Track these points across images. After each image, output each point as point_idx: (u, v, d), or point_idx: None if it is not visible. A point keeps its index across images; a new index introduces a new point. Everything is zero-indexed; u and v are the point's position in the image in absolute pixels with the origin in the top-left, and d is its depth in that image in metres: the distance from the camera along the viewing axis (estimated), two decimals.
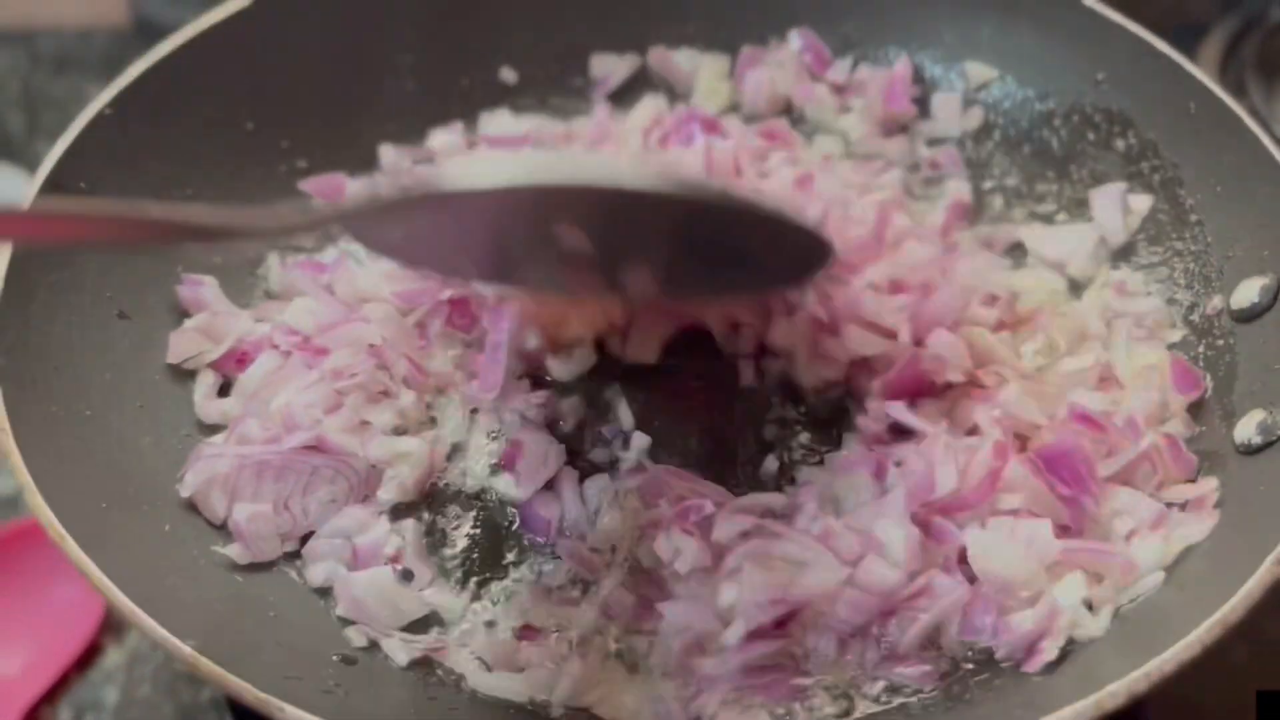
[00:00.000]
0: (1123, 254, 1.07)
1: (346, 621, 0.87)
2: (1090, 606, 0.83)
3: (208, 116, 1.06)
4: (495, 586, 0.90)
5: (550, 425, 0.97)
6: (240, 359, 0.98)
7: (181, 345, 0.97)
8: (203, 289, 1.01)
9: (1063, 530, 0.86)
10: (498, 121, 1.17)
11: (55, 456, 0.84)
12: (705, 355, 1.01)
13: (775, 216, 0.82)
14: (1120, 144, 1.10)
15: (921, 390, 0.94)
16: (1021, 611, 0.83)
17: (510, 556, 0.91)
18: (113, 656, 1.07)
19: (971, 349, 0.95)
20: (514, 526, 0.93)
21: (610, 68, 1.21)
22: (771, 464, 0.95)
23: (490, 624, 0.87)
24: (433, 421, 0.97)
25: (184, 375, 0.97)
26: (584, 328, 1.00)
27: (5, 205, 0.80)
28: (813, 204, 1.02)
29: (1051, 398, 0.93)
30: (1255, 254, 0.97)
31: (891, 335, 0.95)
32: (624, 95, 1.20)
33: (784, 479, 0.94)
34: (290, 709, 0.71)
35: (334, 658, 0.83)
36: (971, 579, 0.85)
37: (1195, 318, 1.00)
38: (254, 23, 1.08)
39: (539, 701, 0.83)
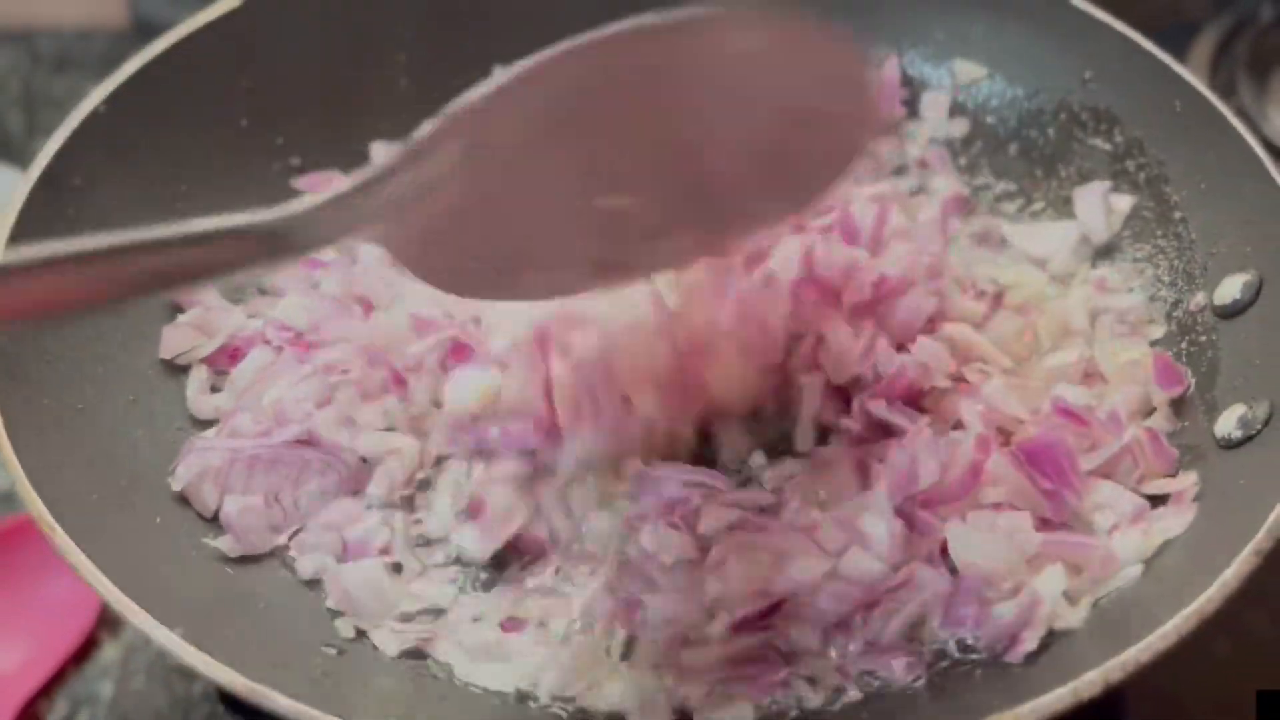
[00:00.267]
0: (1107, 251, 1.08)
1: (336, 613, 0.87)
2: (1069, 599, 0.84)
3: (202, 114, 1.06)
4: (481, 579, 0.90)
5: None
6: (233, 354, 0.99)
7: (174, 340, 0.98)
8: None
9: (1044, 523, 0.87)
10: None
11: (47, 449, 0.84)
12: None
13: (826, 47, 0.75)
14: (1107, 142, 1.11)
15: (909, 399, 0.94)
16: (1003, 603, 0.83)
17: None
18: (109, 651, 1.07)
19: (955, 347, 0.95)
20: None
21: None
22: (759, 459, 0.95)
23: (476, 619, 0.88)
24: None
25: (176, 370, 0.98)
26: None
27: None
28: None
29: (1035, 392, 0.94)
30: (1238, 251, 0.97)
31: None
32: None
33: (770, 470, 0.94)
34: (279, 697, 0.72)
35: (323, 648, 0.84)
36: (954, 571, 0.85)
37: (1179, 314, 1.00)
38: (248, 20, 1.08)
39: (526, 692, 0.84)
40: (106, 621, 1.09)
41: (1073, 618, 0.83)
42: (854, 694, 0.82)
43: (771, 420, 0.97)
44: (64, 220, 0.96)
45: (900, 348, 0.95)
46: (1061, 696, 0.71)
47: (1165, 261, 1.04)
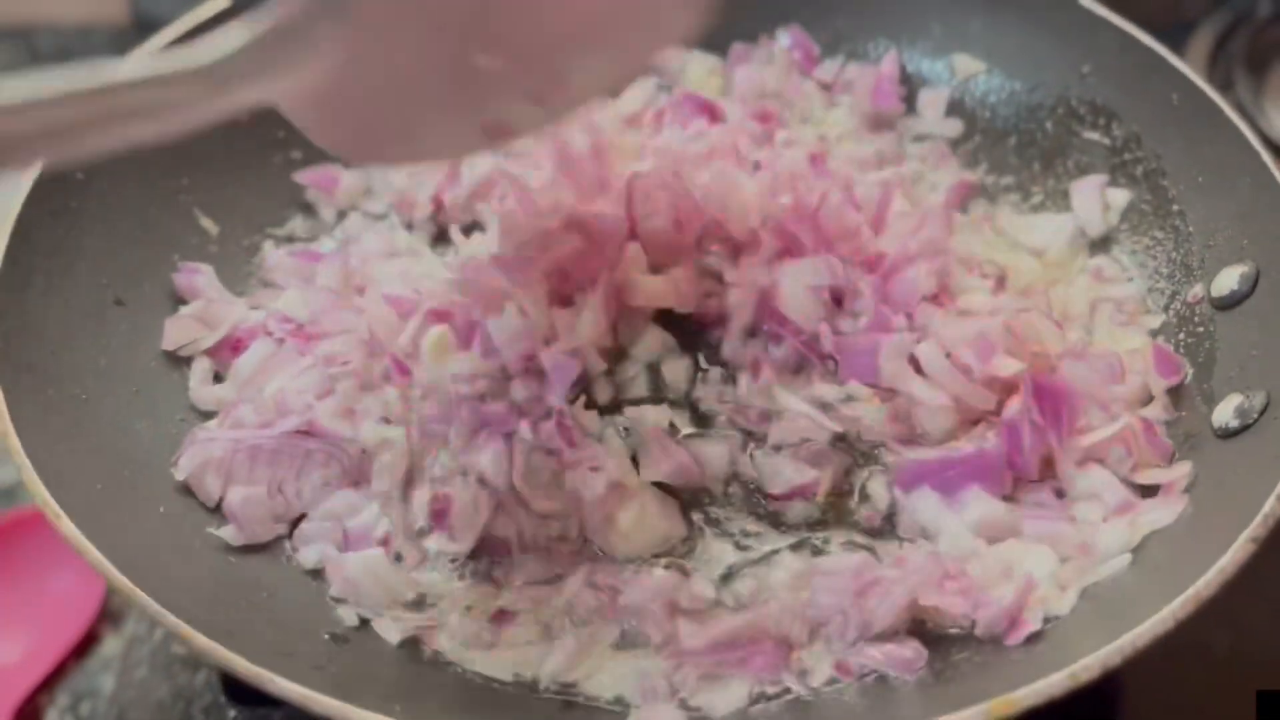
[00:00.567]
0: (1105, 243, 1.08)
1: (338, 601, 0.87)
2: (1058, 585, 0.84)
3: None
4: (474, 569, 0.90)
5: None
6: (235, 346, 0.99)
7: (177, 332, 0.99)
8: (199, 277, 1.02)
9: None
10: None
11: (52, 439, 0.85)
12: None
13: None
14: (1105, 136, 1.11)
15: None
16: (999, 586, 0.84)
17: None
18: (111, 645, 1.08)
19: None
20: None
21: None
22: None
23: (468, 608, 0.88)
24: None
25: (179, 361, 0.99)
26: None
27: None
28: (822, 183, 1.03)
29: None
30: (1235, 243, 0.98)
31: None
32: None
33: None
34: (281, 681, 0.72)
35: (325, 636, 0.84)
36: None
37: (1177, 305, 1.01)
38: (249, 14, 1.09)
39: (526, 679, 0.84)
40: (108, 615, 1.09)
41: (1062, 604, 0.83)
42: (849, 681, 0.83)
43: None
44: (67, 213, 0.97)
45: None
46: (1058, 681, 0.72)
47: (1163, 253, 1.05)
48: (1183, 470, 0.89)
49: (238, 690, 0.80)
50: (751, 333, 0.99)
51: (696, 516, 0.92)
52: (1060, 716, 0.72)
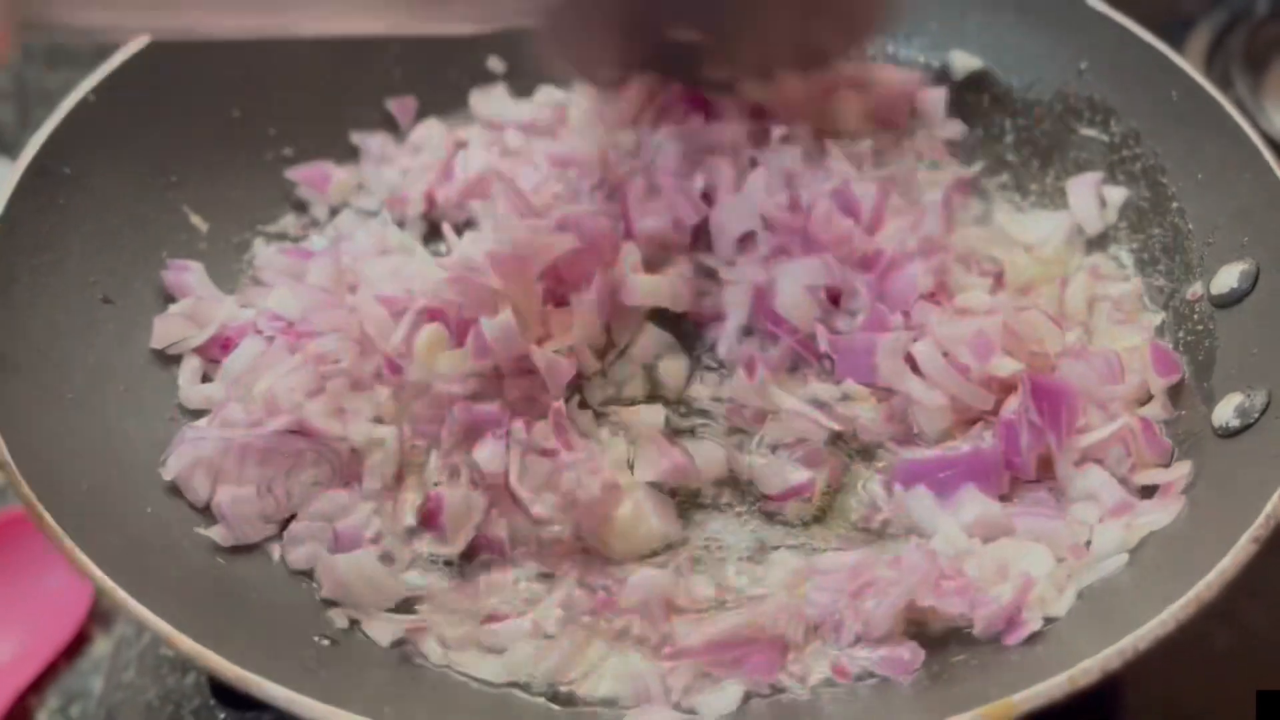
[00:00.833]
0: (1103, 241, 1.08)
1: (329, 603, 0.87)
2: (1055, 585, 0.84)
3: (194, 104, 1.06)
4: (465, 569, 0.89)
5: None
6: (224, 344, 0.98)
7: (166, 330, 0.98)
8: (188, 274, 1.01)
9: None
10: (490, 100, 1.18)
11: (38, 438, 0.84)
12: None
13: None
14: (1103, 132, 1.11)
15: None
16: (998, 586, 0.83)
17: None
18: (100, 645, 1.07)
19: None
20: None
21: None
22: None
23: (459, 610, 0.87)
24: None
25: (168, 360, 0.98)
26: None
27: None
28: (822, 181, 1.03)
29: None
30: (1235, 240, 0.98)
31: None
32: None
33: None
34: (268, 685, 0.72)
35: (315, 639, 0.83)
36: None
37: (1176, 303, 1.00)
38: None
39: (518, 681, 0.83)
40: (98, 616, 1.09)
41: (1060, 605, 0.82)
42: (846, 683, 0.82)
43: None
44: (55, 209, 0.96)
45: None
46: (1058, 685, 0.71)
47: (1162, 251, 1.04)
48: (1181, 471, 0.88)
49: (226, 693, 0.80)
50: (747, 332, 0.99)
51: (693, 517, 0.92)
52: (1058, 715, 0.72)
